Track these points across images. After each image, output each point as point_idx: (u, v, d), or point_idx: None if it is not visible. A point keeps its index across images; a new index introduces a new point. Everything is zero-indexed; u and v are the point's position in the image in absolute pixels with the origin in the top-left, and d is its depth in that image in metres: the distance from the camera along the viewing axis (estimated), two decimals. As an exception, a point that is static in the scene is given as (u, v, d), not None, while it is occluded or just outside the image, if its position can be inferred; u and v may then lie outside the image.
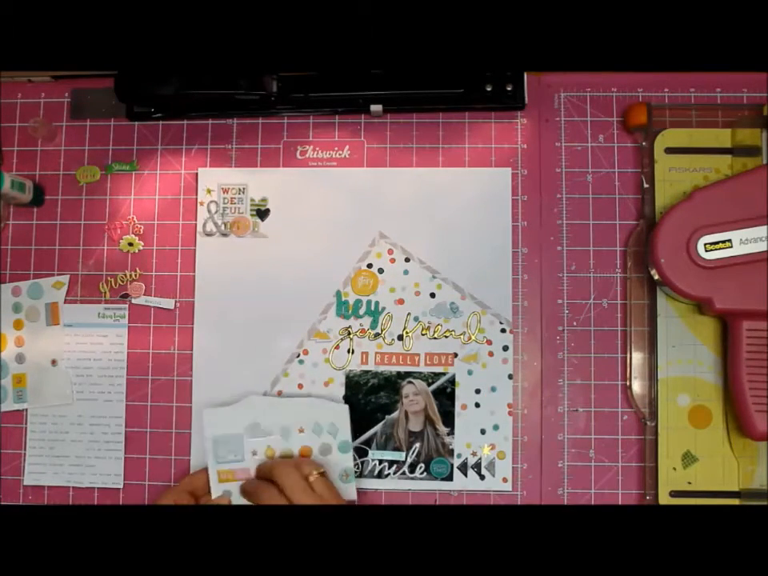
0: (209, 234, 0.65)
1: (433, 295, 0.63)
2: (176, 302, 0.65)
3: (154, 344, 0.64)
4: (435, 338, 0.63)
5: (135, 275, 0.65)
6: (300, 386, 0.63)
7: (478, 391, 0.62)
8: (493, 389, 0.62)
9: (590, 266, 0.63)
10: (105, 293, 0.65)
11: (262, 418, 0.60)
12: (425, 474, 0.62)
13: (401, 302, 0.63)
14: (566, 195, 0.63)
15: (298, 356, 0.63)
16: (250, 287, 0.64)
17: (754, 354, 0.57)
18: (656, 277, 0.58)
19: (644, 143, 0.62)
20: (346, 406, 0.60)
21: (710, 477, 0.59)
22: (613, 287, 0.62)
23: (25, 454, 0.65)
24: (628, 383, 0.61)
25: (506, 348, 0.62)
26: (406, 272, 0.64)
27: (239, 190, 0.65)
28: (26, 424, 0.65)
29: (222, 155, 0.66)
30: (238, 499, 0.58)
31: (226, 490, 0.58)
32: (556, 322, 0.62)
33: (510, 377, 0.62)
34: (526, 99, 0.63)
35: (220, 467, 0.59)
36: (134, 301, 0.65)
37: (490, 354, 0.62)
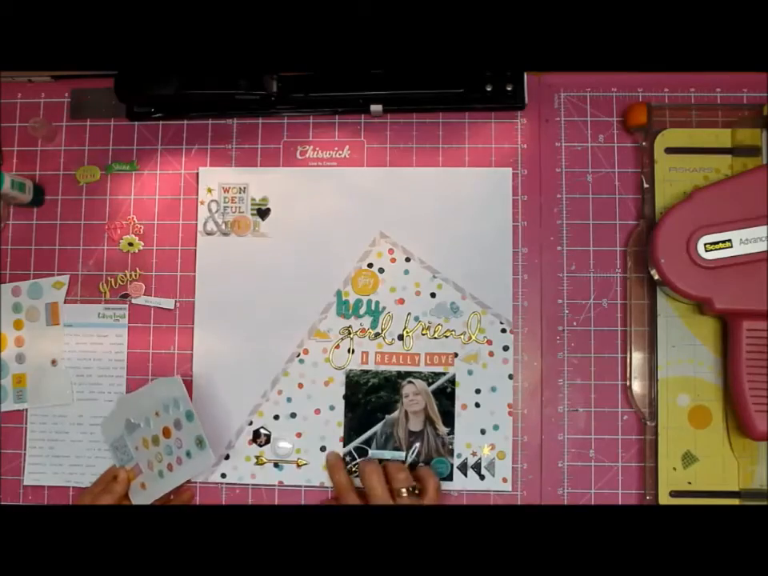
0: (209, 233, 0.65)
1: (433, 295, 0.63)
2: (176, 301, 0.65)
3: (154, 344, 0.64)
4: (435, 338, 0.63)
5: (135, 275, 0.65)
6: (300, 385, 0.63)
7: (478, 391, 0.62)
8: (493, 389, 0.62)
9: (590, 265, 0.63)
10: (105, 293, 0.65)
11: (130, 414, 0.62)
12: (425, 473, 0.62)
13: (401, 301, 0.63)
14: (565, 195, 0.63)
15: (298, 355, 0.63)
16: (250, 287, 0.64)
17: (754, 354, 0.57)
18: (656, 277, 0.58)
19: (644, 143, 0.62)
20: (177, 378, 0.61)
21: (709, 477, 0.59)
22: (613, 287, 0.62)
23: (25, 453, 0.65)
24: (628, 383, 0.61)
25: (506, 348, 0.62)
26: (406, 272, 0.64)
27: (240, 189, 0.65)
28: (26, 424, 0.65)
29: (222, 155, 0.66)
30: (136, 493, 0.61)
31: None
32: (556, 322, 0.62)
33: (510, 377, 0.62)
34: (526, 99, 0.63)
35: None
36: (134, 301, 0.65)
37: (490, 354, 0.62)
